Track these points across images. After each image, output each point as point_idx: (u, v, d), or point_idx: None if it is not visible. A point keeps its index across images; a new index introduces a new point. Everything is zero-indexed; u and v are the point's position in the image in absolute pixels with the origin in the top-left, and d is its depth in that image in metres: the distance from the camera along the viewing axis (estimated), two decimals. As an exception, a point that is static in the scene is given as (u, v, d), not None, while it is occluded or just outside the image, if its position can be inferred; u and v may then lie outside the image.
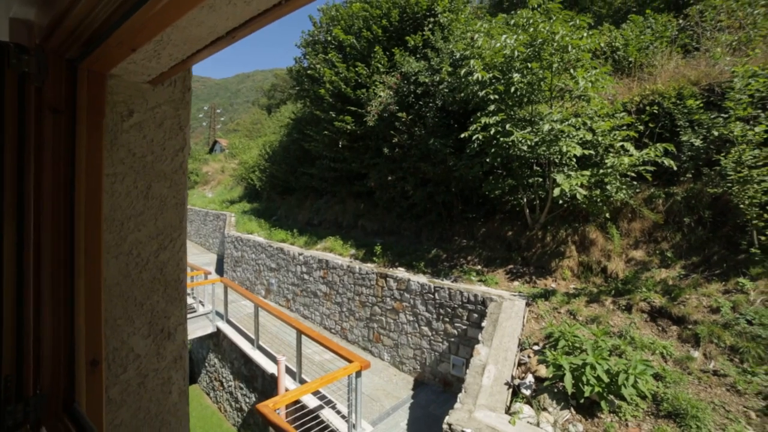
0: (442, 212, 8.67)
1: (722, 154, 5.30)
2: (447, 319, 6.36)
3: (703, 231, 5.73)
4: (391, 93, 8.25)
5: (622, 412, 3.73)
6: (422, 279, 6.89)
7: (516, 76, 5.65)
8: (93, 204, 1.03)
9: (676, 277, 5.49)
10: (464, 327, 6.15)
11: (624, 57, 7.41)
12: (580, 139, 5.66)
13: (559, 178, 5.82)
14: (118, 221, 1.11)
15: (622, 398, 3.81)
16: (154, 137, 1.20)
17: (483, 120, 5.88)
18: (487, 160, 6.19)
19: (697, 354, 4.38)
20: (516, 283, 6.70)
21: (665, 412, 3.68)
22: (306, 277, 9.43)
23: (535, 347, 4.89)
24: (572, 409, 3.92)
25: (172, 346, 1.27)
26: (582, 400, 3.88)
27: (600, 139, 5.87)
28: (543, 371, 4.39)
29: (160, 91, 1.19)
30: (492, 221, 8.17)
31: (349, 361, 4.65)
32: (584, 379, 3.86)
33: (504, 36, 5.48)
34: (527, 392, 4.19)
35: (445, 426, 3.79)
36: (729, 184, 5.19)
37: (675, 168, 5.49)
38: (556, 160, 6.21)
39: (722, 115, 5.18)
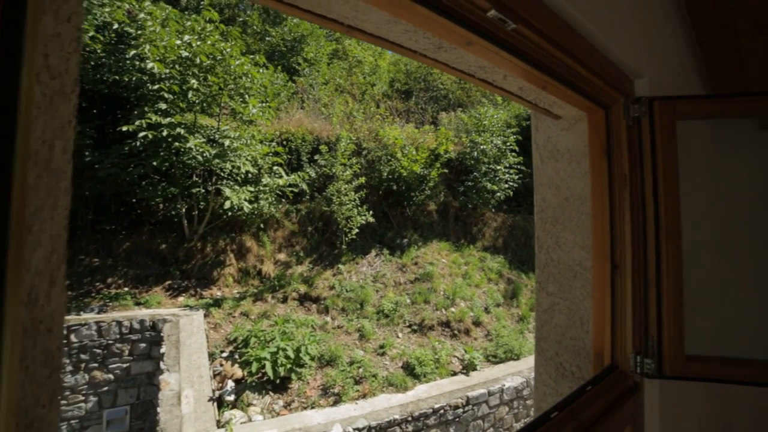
0: (57, 223, 6.20)
1: (329, 185, 8.06)
2: (94, 365, 4.77)
3: (318, 236, 8.33)
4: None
5: (304, 375, 4.85)
6: (42, 320, 4.66)
7: (194, 82, 5.50)
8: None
9: (308, 270, 7.60)
10: (126, 365, 4.92)
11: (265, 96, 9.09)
12: (248, 158, 6.45)
13: (228, 191, 6.26)
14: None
15: (302, 365, 4.93)
16: None
17: (153, 117, 5.15)
18: (154, 163, 5.43)
19: (329, 318, 6.43)
20: (181, 298, 6.25)
21: (325, 362, 5.22)
22: None
23: (224, 354, 5.00)
24: (271, 392, 4.53)
25: None
26: (277, 381, 4.60)
27: (259, 160, 6.96)
28: (239, 373, 4.66)
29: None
30: (139, 234, 6.95)
31: None
32: (279, 362, 4.61)
33: (187, 37, 5.18)
34: (231, 398, 4.30)
35: (155, 481, 3.14)
36: (332, 205, 7.97)
37: (307, 191, 7.63)
38: (223, 174, 6.59)
39: (333, 159, 7.91)
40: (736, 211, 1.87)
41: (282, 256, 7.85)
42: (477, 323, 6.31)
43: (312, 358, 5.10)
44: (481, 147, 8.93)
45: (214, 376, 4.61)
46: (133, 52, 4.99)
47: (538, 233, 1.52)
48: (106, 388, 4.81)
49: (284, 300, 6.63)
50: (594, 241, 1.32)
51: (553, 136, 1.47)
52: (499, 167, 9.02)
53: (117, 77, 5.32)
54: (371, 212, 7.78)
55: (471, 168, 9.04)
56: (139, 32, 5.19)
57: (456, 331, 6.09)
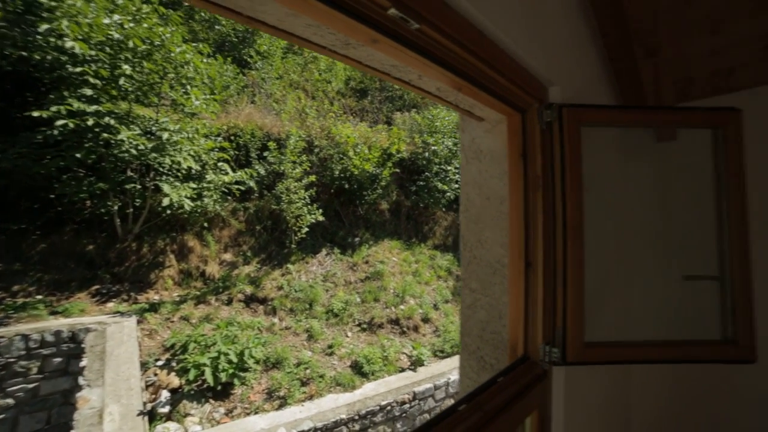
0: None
1: (278, 183, 7.81)
2: (-8, 386, 4.18)
3: (267, 235, 8.03)
4: None
5: (248, 380, 4.65)
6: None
7: (126, 68, 5.03)
8: None
9: (255, 270, 7.30)
10: (32, 385, 4.37)
11: (212, 88, 8.58)
12: (190, 153, 6.05)
13: (167, 187, 5.84)
14: None
15: (246, 370, 4.73)
16: None
17: (75, 104, 4.64)
18: (78, 155, 4.90)
19: (276, 320, 6.24)
20: (111, 304, 5.71)
21: (271, 364, 5.05)
22: None
23: (159, 362, 4.65)
24: (211, 400, 4.29)
25: None
26: (218, 387, 4.36)
27: (203, 156, 6.57)
28: (176, 381, 4.35)
29: None
30: (60, 234, 6.22)
31: None
32: (220, 367, 4.38)
33: (117, 16, 4.71)
34: (165, 410, 4.01)
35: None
36: (282, 204, 7.73)
37: (255, 188, 7.34)
38: (162, 169, 6.13)
39: (282, 156, 7.67)
40: (638, 212, 2.08)
41: (228, 256, 7.48)
42: (426, 320, 6.46)
43: (257, 362, 4.91)
44: (433, 148, 9.16)
45: (147, 387, 4.26)
46: (45, 26, 4.43)
47: (463, 232, 1.57)
48: (1, 416, 4.21)
49: (229, 302, 6.32)
50: (511, 240, 1.39)
51: (477, 138, 1.52)
52: (449, 167, 9.31)
53: (25, 53, 4.68)
54: (321, 211, 7.67)
55: (423, 168, 9.24)
56: (54, 4, 4.60)
57: (405, 328, 6.19)
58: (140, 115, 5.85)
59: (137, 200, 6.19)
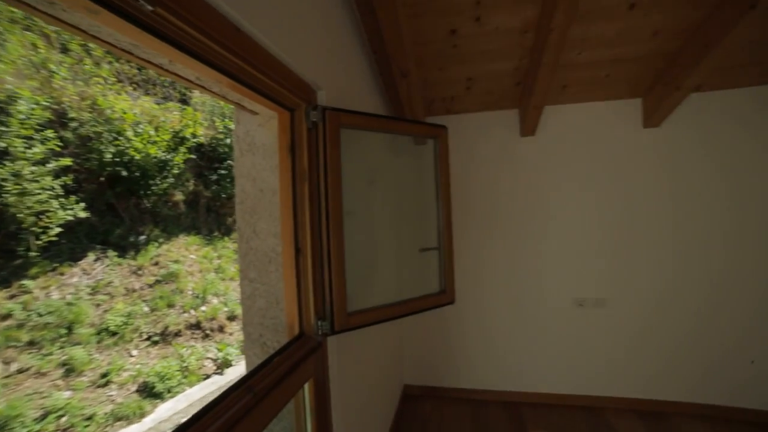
0: None
1: None
2: None
3: (-19, 241, 5.53)
4: None
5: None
6: None
7: None
8: None
9: (-43, 295, 4.92)
10: None
11: None
12: None
13: None
14: None
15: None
16: None
17: None
18: None
19: None
20: None
21: (-6, 426, 3.58)
22: None
23: None
24: None
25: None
26: None
27: None
28: None
29: None
30: None
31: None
32: None
33: None
34: None
35: None
36: (7, 196, 5.47)
37: (-49, 173, 4.88)
38: None
39: (5, 128, 5.36)
40: (403, 200, 2.63)
41: None
42: (232, 317, 6.06)
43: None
44: (238, 135, 8.50)
45: None
46: None
47: (239, 224, 1.58)
48: None
49: None
50: (282, 229, 1.50)
51: (252, 131, 1.55)
52: (257, 157, 8.90)
53: None
54: (84, 204, 5.93)
55: (225, 155, 8.48)
56: None
57: (209, 331, 5.63)
58: None
59: None
